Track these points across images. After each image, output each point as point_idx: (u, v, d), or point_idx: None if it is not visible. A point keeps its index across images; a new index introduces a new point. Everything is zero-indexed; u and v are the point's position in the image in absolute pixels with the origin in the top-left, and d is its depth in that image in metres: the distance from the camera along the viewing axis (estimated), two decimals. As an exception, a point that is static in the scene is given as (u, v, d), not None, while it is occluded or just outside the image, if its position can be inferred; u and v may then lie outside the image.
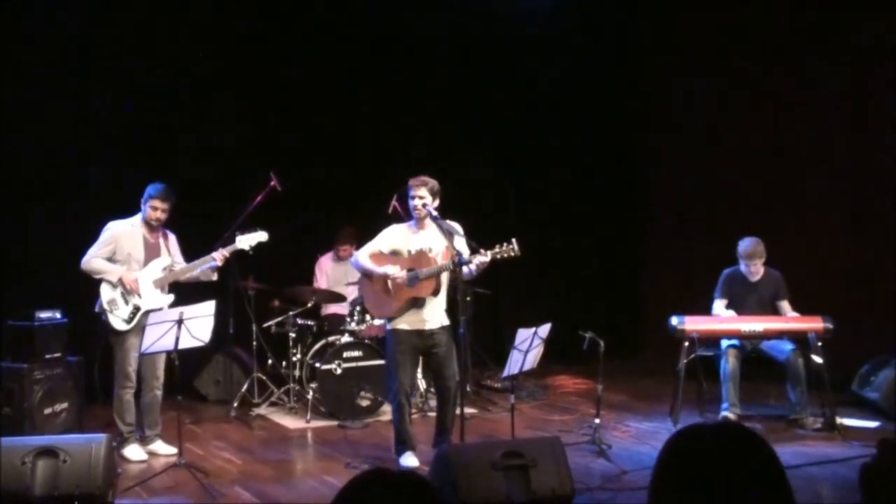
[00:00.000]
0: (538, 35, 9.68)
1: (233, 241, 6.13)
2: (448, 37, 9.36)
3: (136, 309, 5.91)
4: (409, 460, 5.66)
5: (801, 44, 8.53)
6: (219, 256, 6.02)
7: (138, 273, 5.97)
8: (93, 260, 5.92)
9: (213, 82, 8.26)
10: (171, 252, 6.20)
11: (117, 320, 5.90)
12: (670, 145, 10.01)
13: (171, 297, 6.09)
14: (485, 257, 5.32)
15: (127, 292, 5.93)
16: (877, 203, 8.05)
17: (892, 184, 7.85)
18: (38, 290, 7.03)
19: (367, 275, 5.77)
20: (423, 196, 5.55)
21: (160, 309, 5.86)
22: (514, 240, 5.42)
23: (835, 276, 8.19)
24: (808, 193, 8.55)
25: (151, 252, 6.07)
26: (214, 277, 6.23)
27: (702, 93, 9.53)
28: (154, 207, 5.99)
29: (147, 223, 6.04)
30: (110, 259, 5.95)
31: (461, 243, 5.48)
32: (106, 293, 5.92)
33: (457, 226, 5.58)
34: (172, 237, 6.27)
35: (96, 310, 5.98)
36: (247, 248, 6.16)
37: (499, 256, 5.40)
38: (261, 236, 6.17)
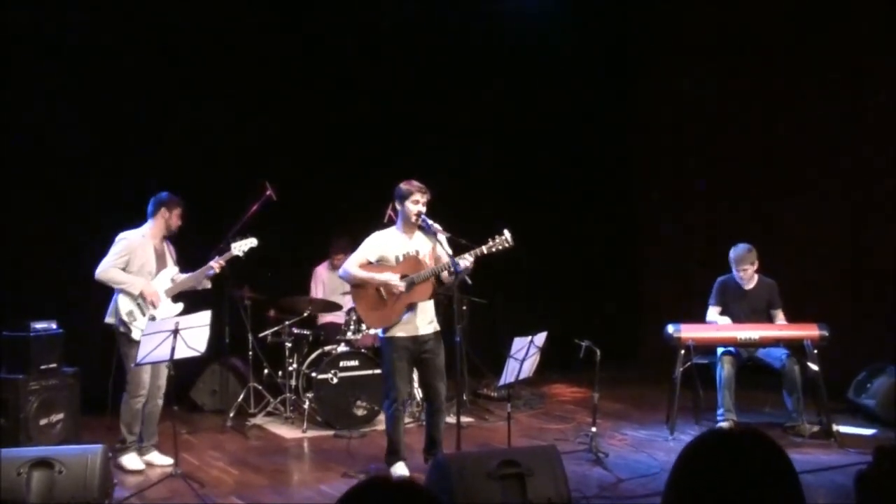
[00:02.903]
0: (534, 38, 9.70)
1: (228, 249, 6.27)
2: (444, 44, 9.37)
3: (153, 319, 5.92)
4: (402, 470, 5.65)
5: (800, 47, 8.55)
6: (216, 265, 6.15)
7: (153, 283, 6.03)
8: (111, 270, 5.93)
9: (208, 92, 8.26)
10: (174, 261, 6.26)
11: (136, 331, 5.90)
12: (667, 152, 10.03)
13: (181, 306, 6.15)
14: (468, 262, 5.35)
15: (144, 303, 5.96)
16: (874, 209, 8.07)
17: (887, 191, 7.87)
18: (34, 301, 7.02)
19: (357, 285, 5.73)
20: (425, 204, 5.57)
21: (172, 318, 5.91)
22: (505, 231, 5.43)
23: (831, 283, 8.21)
24: (805, 200, 8.57)
25: (160, 262, 6.14)
26: (209, 285, 6.32)
27: (700, 99, 9.54)
28: (179, 216, 6.14)
29: (166, 231, 6.13)
30: (124, 270, 5.97)
31: (444, 243, 5.50)
32: (124, 305, 5.94)
33: (436, 225, 5.59)
34: (171, 247, 6.32)
35: (108, 320, 5.98)
36: (240, 254, 6.32)
37: (494, 250, 5.42)
38: (251, 242, 6.37)
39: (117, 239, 6.03)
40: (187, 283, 6.16)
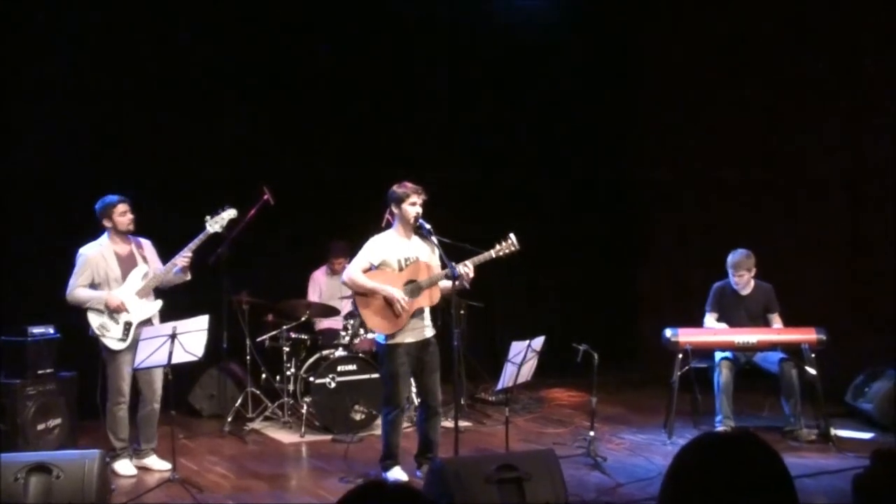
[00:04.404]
0: (536, 41, 9.69)
1: (203, 229, 6.06)
2: (444, 46, 9.37)
3: (128, 325, 5.91)
4: (400, 474, 5.66)
5: (799, 47, 8.55)
6: (183, 258, 5.96)
7: (120, 291, 5.95)
8: (76, 291, 5.92)
9: (205, 95, 8.25)
10: (147, 259, 6.16)
11: (112, 341, 5.90)
12: (666, 155, 10.03)
13: (159, 303, 6.09)
14: (468, 269, 5.37)
15: (115, 312, 5.93)
16: (871, 213, 8.08)
17: (886, 194, 7.88)
18: (31, 306, 7.01)
19: (362, 293, 5.68)
20: (421, 205, 5.57)
21: (150, 319, 5.90)
22: (511, 235, 5.46)
23: (829, 287, 8.21)
24: (803, 204, 8.58)
25: (127, 265, 6.04)
26: (188, 277, 6.15)
27: (697, 102, 9.55)
28: (122, 213, 5.98)
29: (119, 235, 6.01)
30: (92, 284, 5.94)
31: (438, 246, 5.53)
32: (94, 319, 5.92)
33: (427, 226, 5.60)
34: (147, 243, 6.22)
35: (90, 334, 5.97)
36: (219, 229, 6.11)
37: (501, 254, 5.44)
38: (230, 214, 6.13)
39: (77, 256, 5.99)
40: (160, 278, 6.04)
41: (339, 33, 8.94)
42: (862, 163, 8.19)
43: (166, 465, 5.96)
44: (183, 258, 5.98)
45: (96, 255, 5.97)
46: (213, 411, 7.80)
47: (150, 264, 6.13)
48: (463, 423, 6.99)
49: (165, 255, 6.30)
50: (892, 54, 7.84)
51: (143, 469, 6.06)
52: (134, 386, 6.02)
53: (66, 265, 6.14)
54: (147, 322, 5.94)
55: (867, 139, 8.15)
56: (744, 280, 6.87)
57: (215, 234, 6.15)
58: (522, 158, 9.85)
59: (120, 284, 5.98)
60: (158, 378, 6.01)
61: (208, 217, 6.07)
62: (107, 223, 6.00)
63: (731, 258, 6.90)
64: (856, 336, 7.59)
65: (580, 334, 6.26)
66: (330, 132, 8.92)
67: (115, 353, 5.89)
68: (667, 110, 9.96)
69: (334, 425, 7.03)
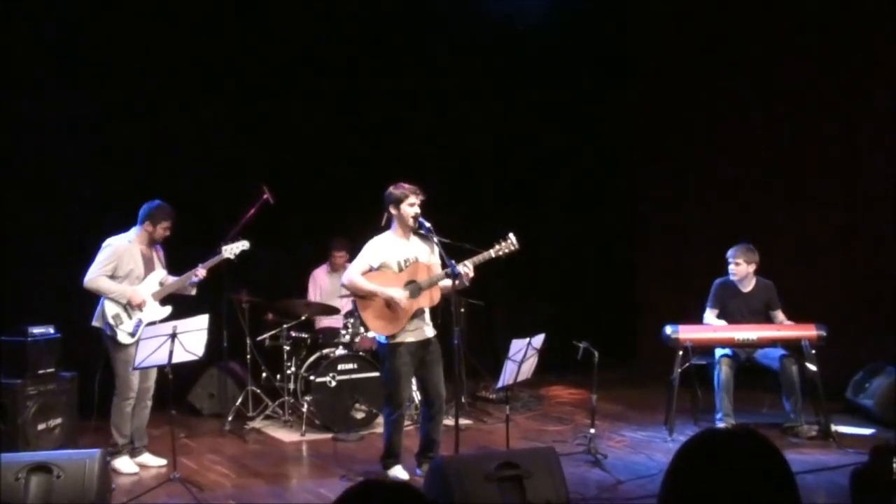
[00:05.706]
0: (536, 40, 9.68)
1: (218, 253, 6.33)
2: (441, 46, 9.37)
3: (140, 322, 5.97)
4: (401, 473, 5.66)
5: (799, 49, 8.55)
6: (200, 272, 6.17)
7: (141, 288, 6.04)
8: (100, 279, 5.95)
9: (205, 93, 8.25)
10: (162, 264, 6.27)
11: (122, 334, 5.95)
12: (663, 153, 10.02)
13: (168, 309, 6.16)
14: (468, 268, 5.37)
15: (131, 307, 5.97)
16: (870, 210, 8.07)
17: (885, 192, 7.87)
18: (32, 305, 7.01)
19: (362, 295, 5.68)
20: (420, 205, 5.56)
21: (159, 321, 5.93)
22: (510, 234, 5.46)
23: (828, 284, 8.21)
24: (802, 202, 8.57)
25: (148, 266, 6.15)
26: (193, 292, 6.30)
27: (695, 101, 9.55)
28: (165, 228, 6.13)
29: (151, 240, 6.14)
30: (112, 276, 5.99)
31: (438, 245, 5.53)
32: (111, 308, 5.96)
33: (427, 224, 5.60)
34: (160, 250, 6.33)
35: (94, 324, 5.99)
36: (231, 256, 6.41)
37: (501, 254, 5.44)
38: (243, 245, 6.46)
39: (103, 245, 6.04)
40: (173, 286, 6.18)
41: (338, 33, 8.93)
42: (861, 161, 8.18)
43: (161, 461, 6.06)
44: (202, 270, 6.16)
45: (126, 249, 6.05)
46: (213, 410, 7.81)
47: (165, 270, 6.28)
48: (463, 422, 6.99)
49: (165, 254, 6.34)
50: (892, 54, 7.83)
51: (139, 465, 6.10)
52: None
53: (67, 265, 6.15)
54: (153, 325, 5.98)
55: (866, 138, 8.14)
56: (740, 270, 6.86)
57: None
58: (522, 157, 9.84)
59: (140, 283, 6.07)
60: (152, 377, 6.10)
61: (222, 243, 6.40)
62: (147, 227, 6.10)
63: (730, 250, 6.91)
64: (856, 332, 7.59)
65: (580, 332, 6.26)
66: (329, 131, 8.91)
67: (124, 347, 5.93)
68: (666, 110, 9.94)
69: (335, 424, 7.03)
